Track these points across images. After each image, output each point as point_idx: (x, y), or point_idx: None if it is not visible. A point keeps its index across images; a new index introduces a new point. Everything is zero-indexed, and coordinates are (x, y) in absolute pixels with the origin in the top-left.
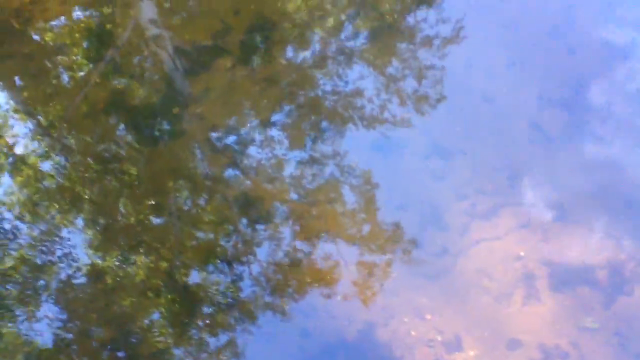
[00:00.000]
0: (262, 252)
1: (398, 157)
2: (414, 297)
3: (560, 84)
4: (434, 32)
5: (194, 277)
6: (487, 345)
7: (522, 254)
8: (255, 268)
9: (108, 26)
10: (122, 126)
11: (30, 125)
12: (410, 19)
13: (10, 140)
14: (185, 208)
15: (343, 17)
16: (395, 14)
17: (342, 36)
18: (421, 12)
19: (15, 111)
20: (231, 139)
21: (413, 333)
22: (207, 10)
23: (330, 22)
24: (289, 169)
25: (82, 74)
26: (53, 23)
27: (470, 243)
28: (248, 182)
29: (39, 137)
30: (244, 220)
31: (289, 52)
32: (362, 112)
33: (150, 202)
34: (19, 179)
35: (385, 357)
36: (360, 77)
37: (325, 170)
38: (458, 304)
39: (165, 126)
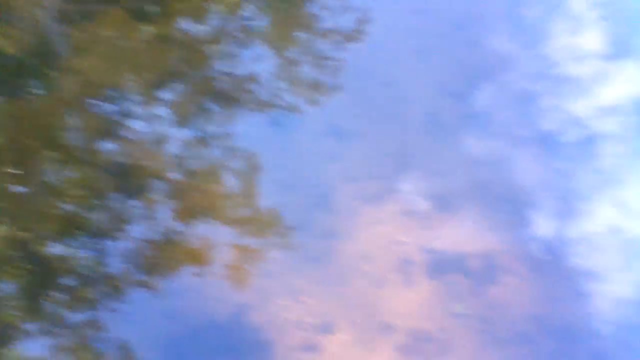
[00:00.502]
0: (136, 229)
1: (290, 135)
2: (291, 279)
3: (458, 77)
4: (339, 19)
5: (58, 249)
6: (358, 329)
7: (403, 239)
8: (126, 244)
9: None
10: None
11: None
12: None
13: None
14: (52, 175)
15: None
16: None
17: (243, 14)
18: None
19: None
20: (110, 104)
21: (286, 316)
22: None
23: None
24: (172, 144)
25: None
26: None
27: (355, 227)
28: (124, 152)
29: None
30: (117, 194)
31: (184, 19)
32: (256, 92)
33: (11, 166)
34: None
35: (256, 339)
36: (257, 58)
37: (211, 147)
38: (335, 288)
39: (36, 84)
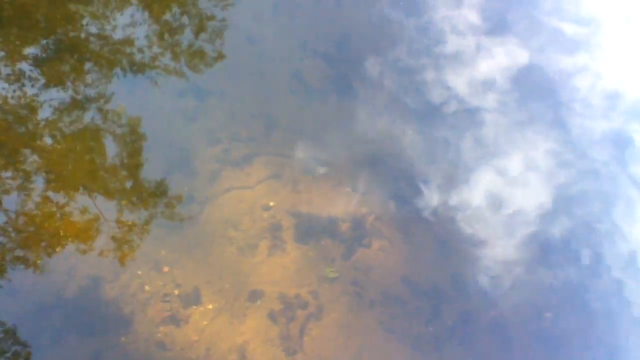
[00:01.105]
0: (11, 201)
1: (146, 95)
2: (152, 248)
3: (326, 39)
4: None
5: None
6: (227, 297)
7: (271, 204)
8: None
9: None
10: None
11: None
12: None
13: None
14: None
15: None
16: None
17: None
18: None
19: None
20: None
21: (147, 288)
22: None
23: None
24: (44, 109)
25: None
26: None
27: (220, 191)
28: None
29: None
30: None
31: None
32: (132, 55)
33: None
34: None
35: (111, 315)
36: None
37: (86, 110)
38: (201, 256)
39: None
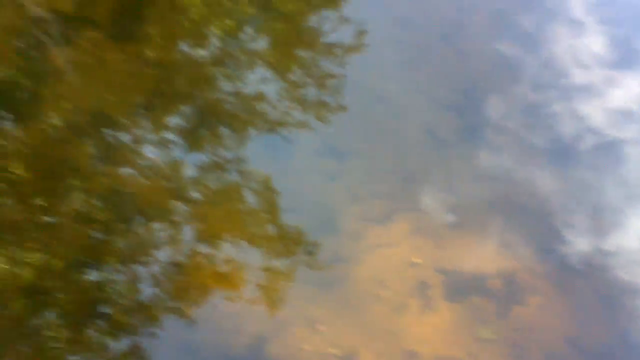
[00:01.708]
0: (163, 253)
1: (286, 158)
2: (304, 306)
3: (453, 90)
4: (336, 35)
5: (93, 277)
6: (383, 357)
7: (417, 261)
8: (155, 268)
9: None
10: None
11: None
12: (313, 20)
13: None
14: (77, 203)
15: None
16: (297, 16)
17: (242, 36)
18: (324, 14)
19: None
20: (121, 131)
21: (306, 347)
22: None
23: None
24: (188, 168)
25: None
26: None
27: (365, 249)
28: (143, 178)
29: None
30: (141, 218)
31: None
32: (264, 112)
33: (36, 197)
34: None
35: None
36: (261, 80)
37: (226, 171)
38: (352, 314)
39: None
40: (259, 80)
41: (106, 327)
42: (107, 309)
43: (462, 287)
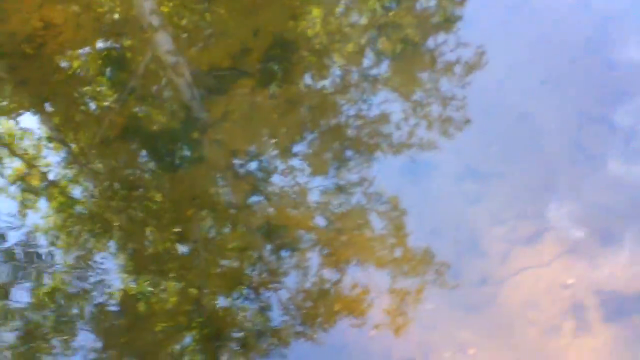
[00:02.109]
0: (289, 280)
1: (428, 181)
2: (452, 330)
3: (599, 101)
4: (458, 54)
5: (222, 302)
6: None
7: (569, 281)
8: (284, 295)
9: (128, 55)
10: (144, 153)
11: (60, 152)
12: (435, 40)
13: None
14: (210, 235)
15: (363, 40)
16: (418, 36)
17: (363, 60)
18: (446, 32)
19: (48, 139)
20: (252, 164)
21: None
22: (224, 32)
23: (350, 46)
24: (313, 196)
25: (105, 103)
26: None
27: (512, 271)
28: (271, 208)
29: (69, 164)
30: (271, 247)
31: (309, 76)
32: (389, 138)
33: (174, 230)
34: (52, 204)
35: None
36: (384, 101)
37: (352, 196)
38: (502, 338)
39: (185, 152)
40: (381, 103)
41: (239, 351)
42: (238, 334)
43: (620, 307)
